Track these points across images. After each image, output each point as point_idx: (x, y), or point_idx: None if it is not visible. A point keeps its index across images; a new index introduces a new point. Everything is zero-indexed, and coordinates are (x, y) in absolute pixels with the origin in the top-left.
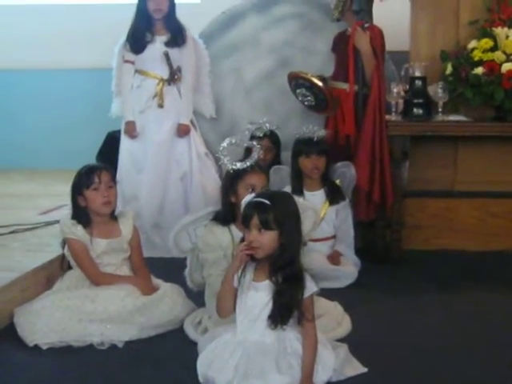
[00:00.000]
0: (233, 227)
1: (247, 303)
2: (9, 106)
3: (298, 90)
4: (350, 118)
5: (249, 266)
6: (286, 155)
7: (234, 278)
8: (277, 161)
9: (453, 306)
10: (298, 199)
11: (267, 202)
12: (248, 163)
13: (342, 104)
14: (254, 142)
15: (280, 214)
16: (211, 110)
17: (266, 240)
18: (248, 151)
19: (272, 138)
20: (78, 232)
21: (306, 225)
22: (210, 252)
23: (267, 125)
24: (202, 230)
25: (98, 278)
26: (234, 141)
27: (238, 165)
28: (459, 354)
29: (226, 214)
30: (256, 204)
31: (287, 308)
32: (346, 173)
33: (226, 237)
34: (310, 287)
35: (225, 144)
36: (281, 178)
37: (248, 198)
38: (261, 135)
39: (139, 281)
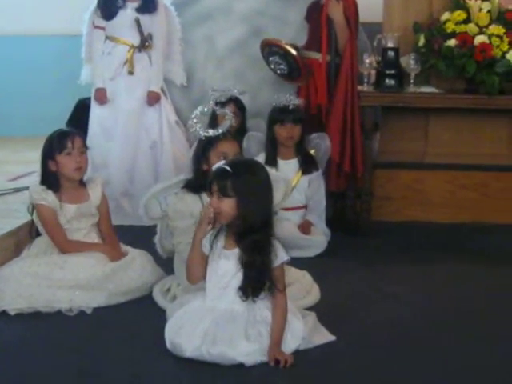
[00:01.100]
0: (204, 195)
1: (217, 271)
2: None
3: (270, 58)
4: (322, 88)
5: (221, 233)
6: (255, 122)
7: (201, 243)
8: (243, 127)
9: (422, 277)
10: (271, 170)
11: (228, 169)
12: (220, 130)
13: (315, 74)
14: (227, 110)
15: (238, 182)
16: (182, 78)
17: (225, 207)
18: (214, 118)
19: (237, 103)
20: (48, 197)
21: (277, 195)
22: (180, 220)
23: (234, 90)
24: (173, 198)
25: (66, 246)
26: (206, 109)
27: (211, 132)
28: (428, 322)
29: (198, 182)
30: (217, 171)
31: (258, 279)
32: (321, 144)
33: (197, 205)
34: (281, 256)
35: (197, 112)
36: (255, 145)
37: (217, 165)
38: (224, 101)
39: (107, 248)
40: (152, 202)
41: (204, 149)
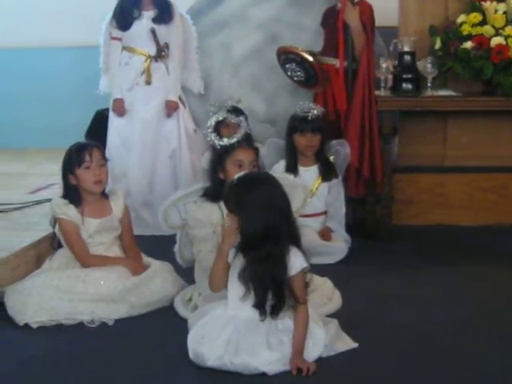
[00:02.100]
0: (222, 204)
1: (235, 281)
2: None
3: (287, 65)
4: (341, 94)
5: None
6: (263, 127)
7: (228, 254)
8: (248, 134)
9: (444, 281)
10: (289, 176)
11: (234, 185)
12: (235, 139)
13: (332, 80)
14: (242, 118)
15: (239, 199)
16: (199, 86)
17: (231, 224)
18: (217, 128)
19: (236, 112)
20: (70, 212)
21: (296, 201)
22: (199, 228)
23: (229, 102)
24: (192, 207)
25: (87, 261)
26: (220, 118)
27: (225, 140)
28: (452, 328)
29: (216, 191)
30: (226, 187)
31: (263, 291)
32: (341, 151)
33: (216, 213)
34: (298, 265)
35: (212, 121)
36: (274, 152)
37: (235, 177)
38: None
39: (129, 262)
40: (171, 210)
41: (220, 157)
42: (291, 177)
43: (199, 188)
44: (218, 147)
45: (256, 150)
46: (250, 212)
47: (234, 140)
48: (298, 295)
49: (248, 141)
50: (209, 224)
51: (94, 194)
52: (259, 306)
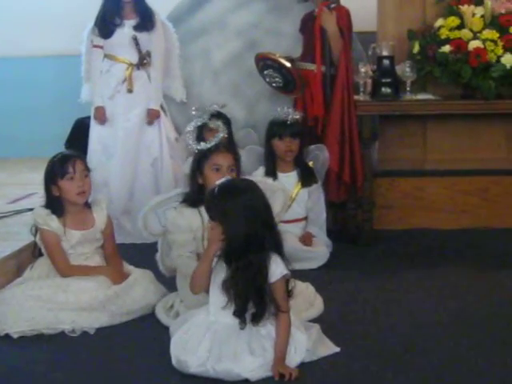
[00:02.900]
0: (203, 209)
1: (217, 289)
2: None
3: (265, 71)
4: (318, 99)
5: None
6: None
7: (213, 258)
8: (230, 140)
9: (426, 285)
10: (268, 180)
11: (216, 193)
12: (212, 143)
13: (310, 85)
14: (220, 123)
15: (219, 208)
16: (182, 94)
17: (215, 232)
18: (200, 133)
19: (221, 118)
20: (52, 223)
21: (276, 205)
22: (179, 233)
23: (213, 105)
24: (172, 212)
25: (67, 272)
26: (199, 123)
27: (202, 145)
28: (434, 331)
29: (195, 196)
30: (207, 194)
31: (243, 300)
32: (320, 155)
33: (196, 219)
34: (278, 271)
35: (190, 127)
36: (255, 159)
37: (216, 183)
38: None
39: (110, 270)
40: (150, 216)
41: (198, 162)
42: (270, 180)
43: (178, 193)
44: (196, 151)
45: (235, 155)
46: (232, 220)
47: (211, 144)
48: (279, 303)
49: (228, 145)
50: (188, 229)
51: (76, 205)
52: (239, 314)
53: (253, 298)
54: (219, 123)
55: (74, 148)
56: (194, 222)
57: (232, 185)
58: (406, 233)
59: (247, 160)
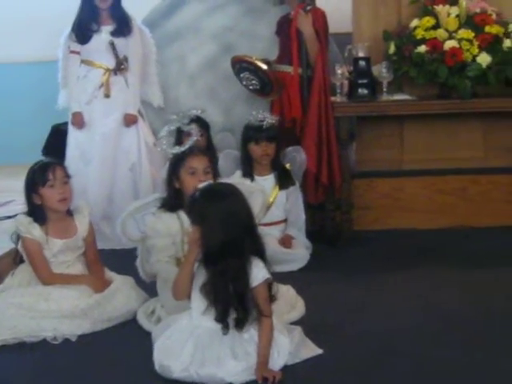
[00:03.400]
0: (181, 213)
1: (198, 293)
2: None
3: (242, 74)
4: (295, 101)
5: None
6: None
7: (193, 264)
8: (209, 144)
9: (406, 285)
10: (245, 181)
11: (197, 197)
12: (186, 146)
13: (287, 87)
14: (193, 126)
15: (199, 212)
16: (159, 100)
17: (193, 235)
18: (179, 137)
19: (199, 122)
20: (35, 231)
21: (255, 207)
22: (158, 238)
23: (192, 110)
24: (151, 218)
25: (49, 281)
26: (172, 128)
27: (177, 149)
28: (414, 332)
29: (173, 201)
30: (189, 198)
31: (224, 305)
32: (297, 157)
33: (174, 223)
34: (260, 276)
35: (164, 132)
36: (231, 163)
37: (198, 186)
38: (186, 122)
39: (91, 279)
40: (129, 221)
41: (174, 166)
42: (248, 181)
43: (156, 198)
44: (170, 155)
45: (211, 157)
46: (211, 225)
47: (185, 148)
48: (262, 308)
49: (203, 147)
50: (167, 234)
51: (58, 213)
52: (220, 319)
53: (233, 304)
54: (193, 126)
55: (52, 154)
56: (172, 227)
57: (213, 189)
58: (385, 233)
59: (224, 164)
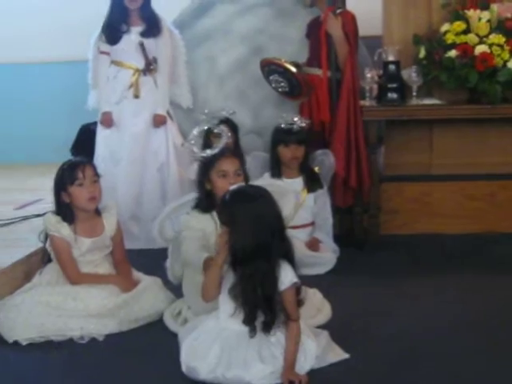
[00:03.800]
0: (215, 214)
1: (226, 296)
2: None
3: (271, 77)
4: (324, 104)
5: None
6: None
7: (222, 267)
8: (237, 146)
9: (432, 290)
10: (279, 183)
11: (227, 198)
12: (216, 149)
13: (316, 90)
14: (223, 127)
15: (232, 213)
16: (188, 101)
17: (223, 237)
18: (207, 138)
19: (228, 124)
20: (63, 230)
21: (286, 208)
22: (191, 231)
23: (222, 112)
24: (186, 217)
25: (77, 280)
26: (202, 129)
27: (208, 152)
28: (441, 336)
29: (205, 202)
30: (221, 200)
31: (252, 308)
32: (325, 161)
33: (209, 223)
34: (288, 279)
35: (193, 134)
36: (260, 165)
37: (230, 188)
38: (216, 123)
39: (119, 279)
40: (166, 222)
41: (205, 169)
42: (280, 182)
43: (191, 198)
44: (201, 159)
45: (240, 158)
46: (241, 227)
47: (215, 151)
48: (289, 312)
49: (234, 149)
50: (201, 230)
51: (87, 212)
52: (248, 322)
53: (261, 306)
54: (223, 128)
55: (80, 154)
56: (207, 227)
57: (244, 191)
58: (413, 238)
59: (252, 166)
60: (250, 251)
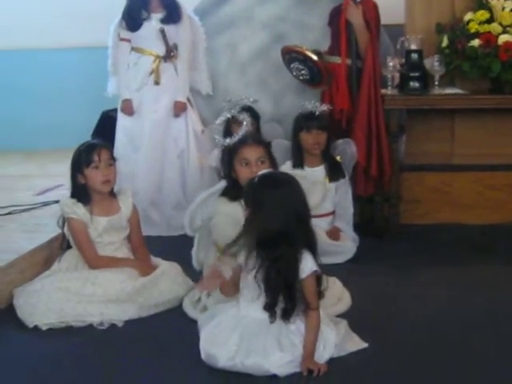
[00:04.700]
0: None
1: (250, 282)
2: (4, 86)
3: (291, 65)
4: (343, 92)
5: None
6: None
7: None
8: (258, 134)
9: (452, 279)
10: (303, 173)
11: (255, 182)
12: (238, 137)
13: (337, 78)
14: (245, 115)
15: (256, 197)
16: (208, 87)
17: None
18: (228, 126)
19: (250, 112)
20: (79, 211)
21: (316, 196)
22: (220, 217)
23: (244, 100)
24: (214, 203)
25: (96, 262)
26: (228, 115)
27: (230, 140)
28: (460, 326)
29: (232, 190)
30: (248, 182)
31: (274, 293)
32: (347, 150)
33: (239, 211)
34: (308, 267)
35: (218, 122)
36: (281, 153)
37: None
38: (237, 111)
39: (138, 263)
40: (197, 212)
41: (228, 157)
42: (309, 171)
43: (221, 188)
44: (223, 147)
45: (265, 145)
46: (266, 211)
47: (235, 139)
48: (309, 300)
49: (256, 136)
50: (231, 217)
51: (102, 194)
52: (269, 308)
53: (283, 293)
54: (245, 116)
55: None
56: (237, 213)
57: (271, 176)
58: (433, 227)
59: (274, 154)
60: (274, 236)
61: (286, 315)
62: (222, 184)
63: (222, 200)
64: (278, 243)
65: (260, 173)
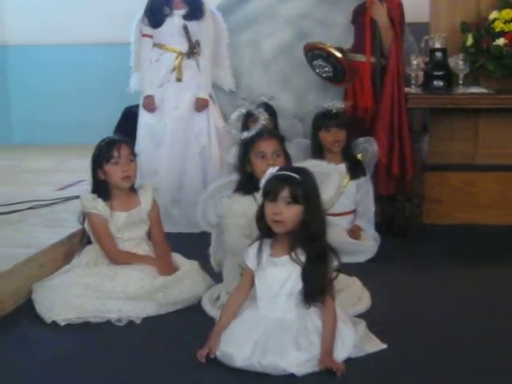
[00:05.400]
0: (257, 195)
1: (267, 280)
2: (26, 81)
3: (314, 62)
4: (367, 90)
5: (264, 243)
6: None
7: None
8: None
9: (473, 280)
10: (322, 162)
11: (297, 176)
12: (254, 130)
13: (360, 76)
14: (261, 109)
15: (308, 190)
16: (230, 84)
17: (292, 214)
18: (245, 122)
19: (267, 109)
20: (99, 205)
21: (330, 189)
22: (233, 218)
23: (262, 97)
24: (227, 200)
25: (116, 256)
26: (242, 111)
27: (246, 134)
28: (480, 327)
29: (247, 184)
30: (286, 177)
31: (319, 286)
32: (368, 148)
33: (251, 206)
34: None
35: (233, 117)
36: (302, 152)
37: (270, 171)
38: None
39: (157, 262)
40: (209, 204)
41: (244, 151)
42: (325, 163)
43: (233, 179)
44: (239, 141)
45: (280, 139)
46: (318, 203)
47: (252, 132)
48: (330, 292)
49: (272, 130)
50: (243, 215)
51: (122, 189)
52: (309, 298)
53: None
54: (261, 110)
55: (123, 136)
56: (249, 209)
57: (305, 169)
58: (455, 228)
59: (294, 153)
60: (319, 228)
61: (309, 300)
62: (235, 176)
63: (235, 198)
64: (320, 236)
65: (282, 167)
